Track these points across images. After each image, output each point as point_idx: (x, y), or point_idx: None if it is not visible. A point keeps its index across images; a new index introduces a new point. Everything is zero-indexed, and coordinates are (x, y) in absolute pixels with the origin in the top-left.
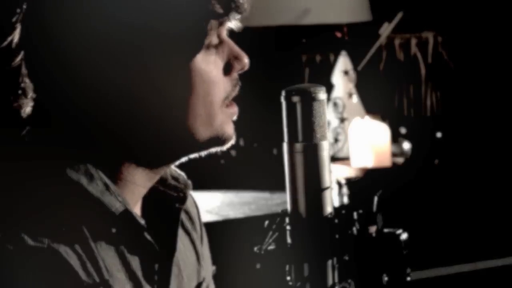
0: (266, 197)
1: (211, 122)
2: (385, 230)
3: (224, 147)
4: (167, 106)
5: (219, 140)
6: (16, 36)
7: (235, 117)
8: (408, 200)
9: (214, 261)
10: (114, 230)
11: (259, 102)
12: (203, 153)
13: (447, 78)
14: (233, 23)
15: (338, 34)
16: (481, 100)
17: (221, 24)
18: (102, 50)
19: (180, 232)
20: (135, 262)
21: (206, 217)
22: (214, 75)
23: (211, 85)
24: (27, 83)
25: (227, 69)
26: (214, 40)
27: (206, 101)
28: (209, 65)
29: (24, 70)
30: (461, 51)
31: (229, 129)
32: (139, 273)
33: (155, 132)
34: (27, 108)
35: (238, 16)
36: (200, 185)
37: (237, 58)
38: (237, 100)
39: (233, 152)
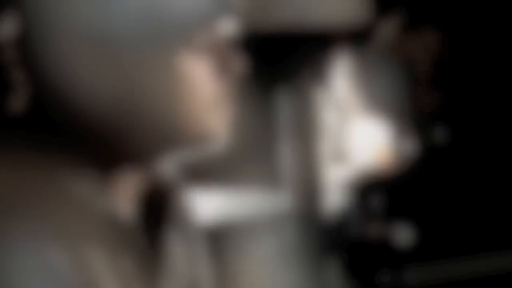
0: (265, 196)
1: (196, 123)
2: (385, 229)
3: (212, 148)
4: (153, 106)
5: (205, 141)
6: (10, 29)
7: (228, 118)
8: (409, 200)
9: (213, 261)
10: (104, 231)
11: (259, 101)
12: (193, 152)
13: (449, 76)
14: (230, 24)
15: (338, 34)
16: (484, 98)
17: (213, 23)
18: (90, 48)
19: (174, 232)
20: (125, 263)
21: (204, 216)
22: (201, 78)
23: (196, 87)
24: (21, 79)
25: (219, 71)
26: (204, 40)
27: (192, 103)
28: (196, 66)
29: (18, 66)
30: (463, 49)
31: (216, 131)
32: (129, 274)
33: (142, 130)
34: (19, 106)
35: (232, 16)
36: (198, 184)
37: (230, 60)
38: (236, 100)
39: (232, 151)
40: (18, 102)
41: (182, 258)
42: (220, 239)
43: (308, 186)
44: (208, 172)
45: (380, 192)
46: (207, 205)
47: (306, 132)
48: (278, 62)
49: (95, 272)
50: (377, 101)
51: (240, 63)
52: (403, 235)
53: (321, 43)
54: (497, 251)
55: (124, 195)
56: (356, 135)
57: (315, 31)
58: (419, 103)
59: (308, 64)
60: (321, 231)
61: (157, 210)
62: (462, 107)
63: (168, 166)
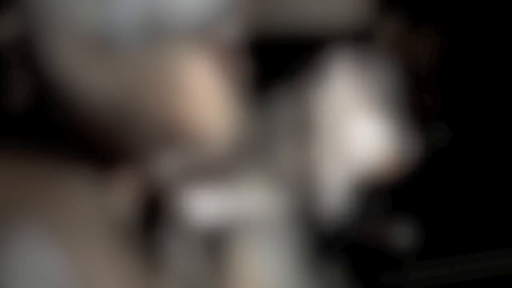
0: (265, 197)
1: (196, 124)
2: (386, 230)
3: (212, 148)
4: (153, 106)
5: (204, 141)
6: (10, 29)
7: (228, 119)
8: (411, 200)
9: (212, 261)
10: (103, 231)
11: (259, 101)
12: (192, 152)
13: (451, 76)
14: (232, 26)
15: (339, 34)
16: (487, 98)
17: (214, 25)
18: (90, 48)
19: (173, 232)
20: (124, 263)
21: (203, 216)
22: (202, 79)
23: (197, 88)
24: (21, 79)
25: (220, 72)
26: (205, 42)
27: (192, 104)
28: (196, 68)
29: (18, 66)
30: (465, 49)
31: (216, 132)
32: (128, 274)
33: (141, 130)
34: (19, 106)
35: (233, 18)
36: (196, 184)
37: (231, 61)
38: (236, 100)
39: (231, 151)
40: (18, 102)
41: (180, 258)
42: (218, 239)
43: (309, 187)
44: (207, 173)
45: (382, 192)
46: (206, 205)
47: (306, 132)
48: (278, 62)
49: (94, 271)
50: (378, 101)
51: (241, 65)
52: (404, 235)
53: (322, 43)
54: (501, 251)
55: (123, 195)
56: (357, 136)
57: (315, 31)
58: (420, 103)
59: (309, 64)
60: (321, 232)
61: (156, 210)
62: (464, 106)
63: (167, 166)
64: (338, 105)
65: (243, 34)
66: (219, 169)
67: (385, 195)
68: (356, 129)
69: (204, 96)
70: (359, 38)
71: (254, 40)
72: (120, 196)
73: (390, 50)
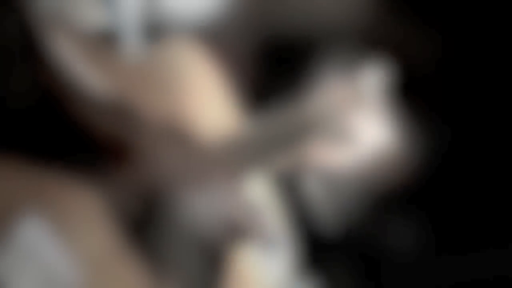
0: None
1: (195, 124)
2: (391, 232)
3: (210, 148)
4: (153, 105)
5: (203, 141)
6: (13, 27)
7: (227, 119)
8: (416, 201)
9: (211, 263)
10: (103, 230)
11: (258, 100)
12: (191, 152)
13: (453, 76)
14: (234, 26)
15: (340, 33)
16: (489, 98)
17: (216, 26)
18: (91, 47)
19: (172, 232)
20: (125, 261)
21: (201, 216)
22: (201, 79)
23: (196, 88)
24: (22, 77)
25: (221, 74)
26: (205, 42)
27: (192, 104)
28: (196, 68)
29: (20, 64)
30: (467, 47)
31: (215, 132)
32: (128, 272)
33: (141, 129)
34: (20, 104)
35: (235, 19)
36: (195, 184)
37: (232, 62)
38: (236, 101)
39: (234, 149)
40: (18, 100)
41: (179, 258)
42: (217, 240)
43: (309, 187)
44: (206, 173)
45: (386, 194)
46: (205, 205)
47: (307, 132)
48: (278, 62)
49: (95, 267)
50: (379, 102)
51: (242, 65)
52: (410, 237)
53: (322, 43)
54: (506, 250)
55: (123, 194)
56: (359, 136)
57: (316, 32)
58: (421, 104)
59: (309, 64)
60: (322, 233)
61: (155, 209)
62: (466, 106)
63: (167, 165)
64: (339, 105)
65: (244, 35)
66: (218, 169)
67: (389, 197)
68: (358, 130)
69: (205, 96)
70: (359, 38)
71: (255, 41)
72: (120, 194)
73: (392, 50)
